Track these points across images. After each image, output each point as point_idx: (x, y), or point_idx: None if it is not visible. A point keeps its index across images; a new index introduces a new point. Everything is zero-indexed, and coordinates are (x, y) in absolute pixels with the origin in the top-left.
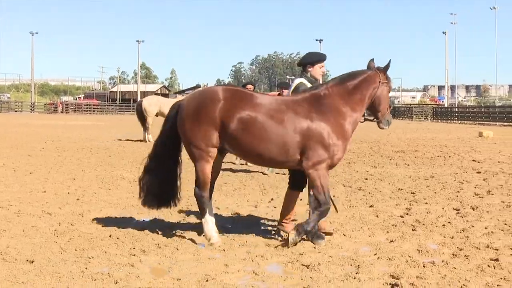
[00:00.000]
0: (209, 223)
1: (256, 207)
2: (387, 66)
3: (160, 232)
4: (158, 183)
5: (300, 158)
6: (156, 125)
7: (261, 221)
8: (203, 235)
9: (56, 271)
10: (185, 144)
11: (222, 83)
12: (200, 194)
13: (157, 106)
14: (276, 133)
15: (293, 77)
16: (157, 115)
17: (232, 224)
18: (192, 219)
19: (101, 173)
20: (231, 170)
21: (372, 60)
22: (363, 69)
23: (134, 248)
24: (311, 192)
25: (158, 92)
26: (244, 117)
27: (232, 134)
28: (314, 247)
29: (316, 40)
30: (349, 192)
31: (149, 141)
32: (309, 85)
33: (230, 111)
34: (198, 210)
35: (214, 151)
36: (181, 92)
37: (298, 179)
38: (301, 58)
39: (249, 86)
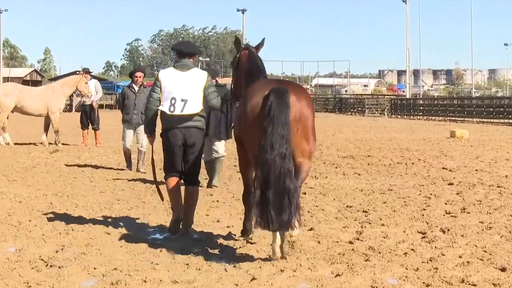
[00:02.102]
0: None
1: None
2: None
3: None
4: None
5: None
6: (20, 123)
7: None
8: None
9: None
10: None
11: (114, 67)
12: None
13: (15, 98)
14: None
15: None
16: (12, 110)
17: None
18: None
19: None
20: (131, 180)
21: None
22: None
23: None
24: None
25: (28, 78)
26: None
27: None
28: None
29: (238, 11)
30: None
31: (7, 143)
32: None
33: None
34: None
35: None
36: (59, 78)
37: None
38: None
39: (138, 74)
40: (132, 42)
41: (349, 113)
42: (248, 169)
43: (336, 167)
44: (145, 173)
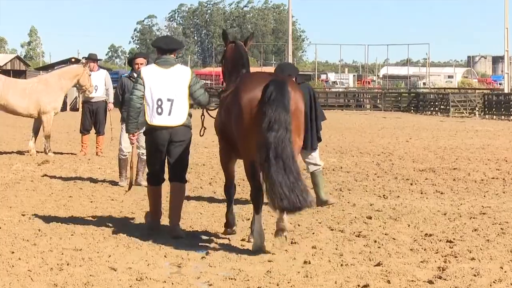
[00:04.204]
0: None
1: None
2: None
3: None
4: None
5: None
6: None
7: None
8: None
9: None
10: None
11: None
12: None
13: None
14: None
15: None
16: None
17: None
18: None
19: None
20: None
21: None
22: None
23: None
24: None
25: (8, 67)
26: None
27: None
28: None
29: None
30: (341, 240)
31: None
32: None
33: None
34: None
35: None
36: (49, 67)
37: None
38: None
39: (140, 60)
40: (144, 20)
41: (429, 112)
42: (230, 162)
43: (412, 184)
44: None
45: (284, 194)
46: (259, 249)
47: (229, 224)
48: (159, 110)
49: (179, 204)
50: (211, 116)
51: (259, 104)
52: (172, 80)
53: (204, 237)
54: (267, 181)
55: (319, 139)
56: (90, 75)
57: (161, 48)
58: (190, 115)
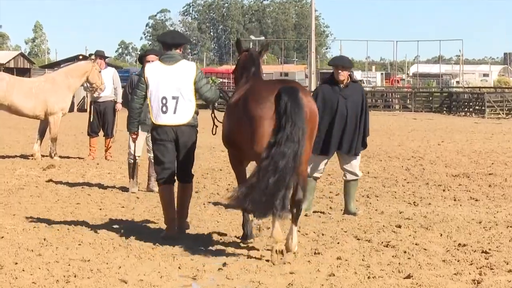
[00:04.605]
0: None
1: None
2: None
3: None
4: None
5: None
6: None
7: None
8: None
9: None
10: None
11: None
12: None
13: (0, 91)
14: None
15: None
16: None
17: None
18: None
19: None
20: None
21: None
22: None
23: None
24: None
25: (11, 64)
26: None
27: None
28: None
29: None
30: (368, 250)
31: None
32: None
33: None
34: None
35: None
36: (54, 65)
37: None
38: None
39: (151, 58)
40: (156, 15)
41: (462, 113)
42: (241, 165)
43: (444, 190)
44: None
45: (260, 200)
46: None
47: (246, 236)
48: (164, 109)
49: (186, 203)
50: (219, 121)
51: (275, 114)
52: (176, 77)
53: (221, 247)
54: (252, 179)
55: (365, 145)
56: (100, 72)
57: (166, 43)
58: (196, 113)
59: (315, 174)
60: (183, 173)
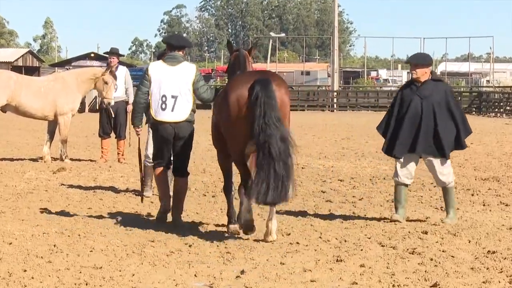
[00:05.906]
0: None
1: None
2: (252, 48)
3: None
4: None
5: None
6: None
7: None
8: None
9: None
10: None
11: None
12: None
13: (7, 91)
14: None
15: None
16: (4, 109)
17: None
18: None
19: None
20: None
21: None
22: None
23: None
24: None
25: (20, 63)
26: None
27: None
28: None
29: None
30: (392, 257)
31: None
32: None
33: None
34: None
35: None
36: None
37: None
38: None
39: None
40: (172, 11)
41: (493, 114)
42: (227, 159)
43: (473, 194)
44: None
45: (268, 187)
46: (248, 224)
47: (230, 220)
48: (163, 106)
49: (182, 197)
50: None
51: (247, 103)
52: (177, 77)
53: (238, 254)
54: (255, 170)
55: (460, 147)
56: (107, 83)
57: (171, 45)
58: (194, 111)
59: (401, 180)
60: (179, 168)
